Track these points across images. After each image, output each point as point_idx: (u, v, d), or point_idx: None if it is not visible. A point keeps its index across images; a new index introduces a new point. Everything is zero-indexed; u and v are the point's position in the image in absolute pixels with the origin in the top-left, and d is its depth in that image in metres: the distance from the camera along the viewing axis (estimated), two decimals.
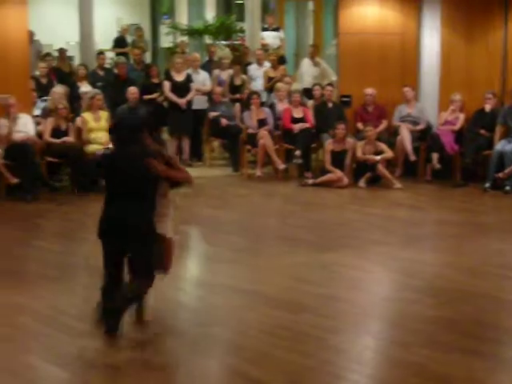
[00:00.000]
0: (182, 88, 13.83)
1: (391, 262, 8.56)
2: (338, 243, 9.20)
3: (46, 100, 12.89)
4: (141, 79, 14.24)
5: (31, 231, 10.08)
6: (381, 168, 12.30)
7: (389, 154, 12.54)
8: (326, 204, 11.47)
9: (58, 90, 12.66)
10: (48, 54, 15.03)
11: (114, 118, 11.35)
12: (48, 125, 11.97)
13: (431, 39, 13.32)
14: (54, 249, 9.07)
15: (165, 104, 14.11)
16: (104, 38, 19.54)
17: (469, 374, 5.58)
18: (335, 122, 12.74)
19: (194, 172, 13.31)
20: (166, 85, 13.88)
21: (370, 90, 13.27)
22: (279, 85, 13.98)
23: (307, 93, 14.44)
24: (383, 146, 12.56)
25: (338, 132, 12.50)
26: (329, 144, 12.54)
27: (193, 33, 20.52)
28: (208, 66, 15.31)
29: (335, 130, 12.53)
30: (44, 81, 13.76)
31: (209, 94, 14.24)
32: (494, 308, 7.14)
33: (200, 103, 14.14)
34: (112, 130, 6.64)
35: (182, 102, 13.73)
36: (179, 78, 13.92)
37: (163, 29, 22.28)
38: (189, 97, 13.82)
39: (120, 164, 6.21)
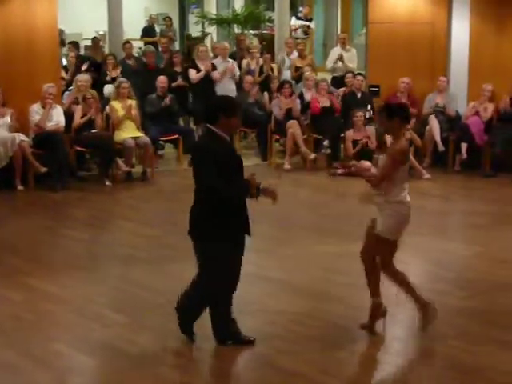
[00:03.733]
0: (206, 76, 13.83)
1: (422, 252, 8.50)
2: None
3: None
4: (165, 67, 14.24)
5: (60, 220, 10.13)
6: (410, 158, 12.20)
7: (418, 142, 12.51)
8: (355, 194, 11.40)
9: (83, 78, 12.64)
10: (74, 43, 15.02)
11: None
12: (77, 114, 11.98)
13: (461, 28, 13.16)
14: (82, 238, 9.11)
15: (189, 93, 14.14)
16: (133, 27, 19.59)
17: (502, 366, 5.54)
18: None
19: None
20: (192, 72, 13.89)
21: (405, 79, 13.15)
22: (307, 74, 13.94)
23: (337, 82, 14.41)
24: (413, 135, 12.49)
25: (356, 120, 12.45)
26: (349, 133, 12.51)
27: (221, 22, 20.50)
28: (237, 56, 15.28)
29: (353, 117, 12.47)
30: (71, 70, 13.81)
31: (238, 84, 14.21)
32: None
33: (227, 92, 14.08)
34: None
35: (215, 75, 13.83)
36: (203, 66, 13.91)
37: (192, 18, 22.28)
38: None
39: (236, 155, 5.90)
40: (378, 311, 6.12)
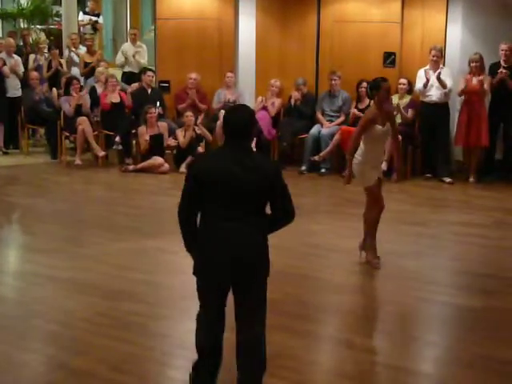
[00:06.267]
0: None
1: None
2: (161, 229, 9.17)
3: None
4: None
5: None
6: (201, 153, 12.40)
7: (208, 137, 12.71)
8: (148, 190, 11.44)
9: None
10: None
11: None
12: None
13: (247, 25, 13.42)
14: None
15: None
16: None
17: (288, 352, 5.73)
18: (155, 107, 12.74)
19: (10, 160, 13.12)
20: None
21: (193, 75, 13.26)
22: (100, 69, 13.80)
23: (127, 77, 14.38)
24: (204, 130, 12.67)
25: (149, 116, 12.47)
26: (142, 129, 12.51)
27: (6, 16, 19.85)
28: (22, 51, 14.89)
29: (146, 114, 12.47)
30: None
31: (24, 80, 13.86)
32: (311, 287, 7.38)
33: (13, 90, 13.73)
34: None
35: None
36: None
37: None
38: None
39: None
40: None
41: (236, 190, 4.60)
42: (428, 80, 11.85)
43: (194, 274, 4.81)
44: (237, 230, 4.65)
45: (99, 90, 13.43)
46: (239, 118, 4.70)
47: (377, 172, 7.79)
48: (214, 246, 4.66)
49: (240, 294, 4.79)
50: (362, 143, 7.65)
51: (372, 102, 7.90)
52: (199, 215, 4.73)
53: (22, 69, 13.99)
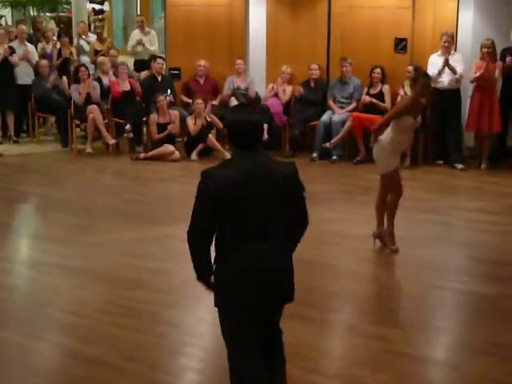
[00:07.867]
0: (3, 60, 13.35)
1: None
2: (172, 217, 9.15)
3: None
4: None
5: None
6: (212, 140, 12.36)
7: (219, 125, 12.66)
8: (159, 178, 11.41)
9: None
10: None
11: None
12: None
13: (258, 11, 13.34)
14: None
15: None
16: None
17: (299, 340, 5.69)
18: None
19: (21, 148, 13.12)
20: None
21: (202, 62, 13.22)
22: (101, 58, 13.78)
23: (139, 65, 14.36)
24: (214, 118, 12.61)
25: (159, 104, 12.42)
26: (153, 117, 12.47)
27: (16, 4, 19.86)
28: (33, 39, 14.87)
29: (157, 102, 12.43)
30: None
31: (35, 68, 13.85)
32: (323, 274, 7.35)
33: (25, 78, 13.70)
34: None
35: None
36: (1, 50, 13.41)
37: None
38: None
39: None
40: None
41: (262, 200, 4.09)
42: (445, 66, 11.75)
43: (220, 308, 4.34)
44: (271, 250, 4.18)
45: (104, 79, 13.36)
46: (246, 125, 4.14)
47: (397, 159, 7.94)
48: (250, 271, 4.14)
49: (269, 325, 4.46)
50: (390, 130, 7.67)
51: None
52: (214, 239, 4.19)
53: (35, 57, 13.95)
